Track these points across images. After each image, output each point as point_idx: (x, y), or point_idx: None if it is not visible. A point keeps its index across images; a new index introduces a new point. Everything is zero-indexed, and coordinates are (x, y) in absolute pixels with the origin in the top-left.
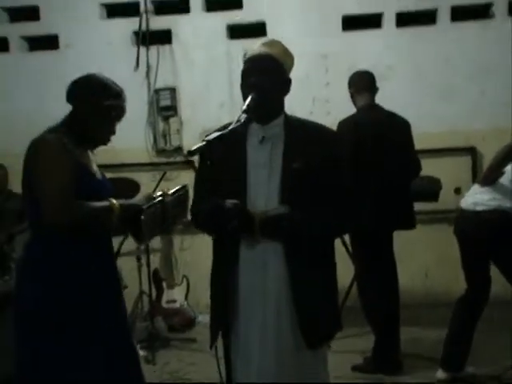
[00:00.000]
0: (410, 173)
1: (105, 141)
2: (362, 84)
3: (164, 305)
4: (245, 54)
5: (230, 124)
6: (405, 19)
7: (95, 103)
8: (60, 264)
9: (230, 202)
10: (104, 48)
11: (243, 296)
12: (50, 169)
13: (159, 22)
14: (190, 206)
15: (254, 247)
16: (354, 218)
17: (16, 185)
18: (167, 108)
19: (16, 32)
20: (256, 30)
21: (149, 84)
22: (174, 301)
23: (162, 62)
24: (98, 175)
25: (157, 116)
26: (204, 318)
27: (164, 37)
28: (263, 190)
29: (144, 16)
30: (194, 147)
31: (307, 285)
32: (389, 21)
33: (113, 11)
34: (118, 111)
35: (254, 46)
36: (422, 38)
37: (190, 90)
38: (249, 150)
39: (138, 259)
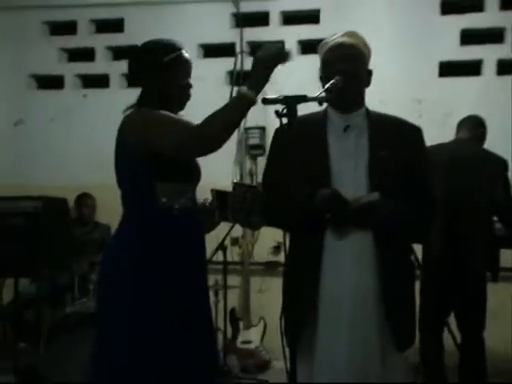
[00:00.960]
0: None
1: (182, 101)
2: (465, 124)
3: (239, 345)
4: (322, 45)
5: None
6: (506, 67)
7: (155, 64)
8: (154, 245)
9: (325, 190)
10: (197, 85)
11: (329, 292)
12: (156, 118)
13: None
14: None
15: (342, 239)
16: (430, 228)
17: (102, 215)
18: (256, 147)
19: (117, 70)
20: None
21: None
22: (250, 342)
23: None
24: None
25: (245, 154)
26: (279, 363)
27: None
28: (350, 179)
29: (239, 56)
30: (270, 96)
31: (398, 282)
32: (488, 68)
33: (209, 51)
34: (182, 63)
35: (334, 36)
36: None
37: None
38: (330, 138)
39: (216, 294)
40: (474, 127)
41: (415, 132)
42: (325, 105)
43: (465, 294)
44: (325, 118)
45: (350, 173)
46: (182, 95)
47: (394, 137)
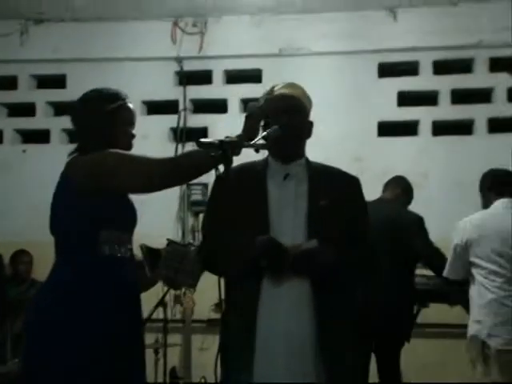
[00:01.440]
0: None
1: (124, 150)
2: (390, 185)
3: None
4: (264, 95)
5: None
6: (441, 128)
7: (99, 112)
8: (88, 289)
9: (263, 237)
10: (140, 142)
11: (263, 341)
12: (111, 154)
13: (197, 120)
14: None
15: (279, 286)
16: (369, 276)
17: (39, 273)
18: (198, 203)
19: (58, 126)
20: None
21: None
22: None
23: None
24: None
25: (187, 211)
26: None
27: (200, 134)
28: (288, 227)
29: (182, 114)
30: (205, 139)
31: (336, 330)
32: (425, 128)
33: (153, 108)
34: (126, 112)
35: (276, 87)
36: (459, 148)
37: None
38: (270, 185)
39: (156, 353)
40: (396, 187)
41: (353, 182)
42: (264, 153)
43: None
44: (265, 166)
45: (288, 221)
46: (124, 143)
47: (334, 186)
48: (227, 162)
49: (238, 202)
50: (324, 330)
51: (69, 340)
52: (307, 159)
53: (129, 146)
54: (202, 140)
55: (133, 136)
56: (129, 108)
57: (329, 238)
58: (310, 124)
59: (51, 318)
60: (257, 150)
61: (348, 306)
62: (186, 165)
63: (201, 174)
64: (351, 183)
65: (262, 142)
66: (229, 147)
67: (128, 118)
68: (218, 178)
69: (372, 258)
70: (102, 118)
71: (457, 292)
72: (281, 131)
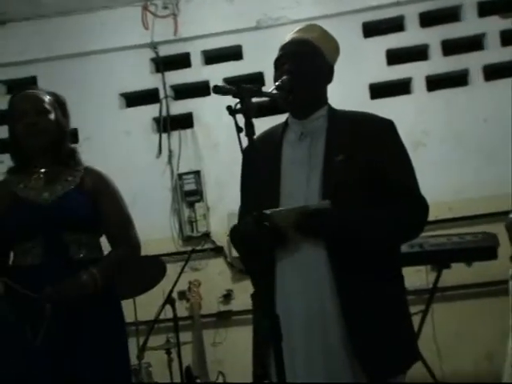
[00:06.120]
0: None
1: (31, 152)
2: None
3: None
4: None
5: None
6: (435, 83)
7: (11, 126)
8: None
9: (249, 217)
10: (123, 138)
11: (283, 318)
12: None
13: (180, 107)
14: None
15: (292, 255)
16: (421, 224)
17: None
18: (192, 193)
19: None
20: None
21: (172, 170)
22: None
23: (185, 147)
24: (43, 198)
25: (181, 202)
26: None
27: (185, 121)
28: (301, 191)
29: (164, 102)
30: (222, 85)
31: (362, 304)
32: (419, 86)
33: (132, 100)
34: (13, 110)
35: (292, 31)
36: (456, 100)
37: (215, 172)
38: (285, 147)
39: (168, 353)
40: None
41: (383, 126)
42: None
43: None
44: (285, 127)
45: (301, 184)
46: (26, 137)
47: (357, 136)
48: (247, 114)
49: (256, 170)
50: (348, 308)
51: None
52: (330, 108)
53: (27, 136)
54: (219, 85)
55: (31, 125)
56: (18, 98)
57: (348, 200)
58: (328, 68)
59: None
60: (274, 101)
61: (382, 277)
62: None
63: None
64: (380, 128)
65: (275, 92)
66: (247, 94)
67: (17, 109)
68: (239, 131)
69: (419, 213)
70: (8, 121)
71: None
72: (292, 79)
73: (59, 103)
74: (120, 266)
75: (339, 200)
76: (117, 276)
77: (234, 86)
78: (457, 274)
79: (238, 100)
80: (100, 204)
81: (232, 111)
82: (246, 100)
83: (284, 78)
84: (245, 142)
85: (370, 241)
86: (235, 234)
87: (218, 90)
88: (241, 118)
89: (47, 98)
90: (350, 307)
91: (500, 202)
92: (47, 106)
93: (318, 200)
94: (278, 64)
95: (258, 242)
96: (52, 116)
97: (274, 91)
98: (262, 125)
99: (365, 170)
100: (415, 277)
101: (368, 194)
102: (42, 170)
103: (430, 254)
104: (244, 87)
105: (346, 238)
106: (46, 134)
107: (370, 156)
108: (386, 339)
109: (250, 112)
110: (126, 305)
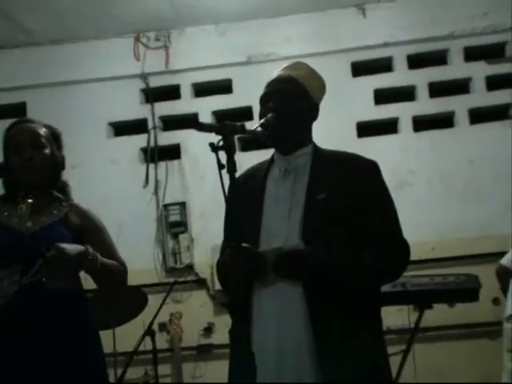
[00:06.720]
0: None
1: (25, 178)
2: None
3: None
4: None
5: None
6: (421, 123)
7: (6, 158)
8: None
9: (232, 247)
10: (111, 167)
11: (257, 351)
12: None
13: (168, 138)
14: None
15: (267, 293)
16: (399, 269)
17: None
18: (177, 224)
19: None
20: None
21: (157, 200)
22: None
23: (171, 178)
24: (26, 227)
25: (166, 233)
26: None
27: (173, 152)
28: (282, 229)
29: (152, 132)
30: (205, 122)
31: (336, 342)
32: (406, 126)
33: (120, 130)
34: (7, 143)
35: (279, 68)
36: (442, 141)
37: (200, 204)
38: (269, 183)
39: None
40: None
41: (366, 167)
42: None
43: None
44: (270, 163)
45: (283, 221)
46: (21, 173)
47: (340, 176)
48: (229, 151)
49: (239, 206)
50: (322, 350)
51: None
52: (315, 146)
53: (22, 171)
54: (202, 122)
55: (27, 160)
56: (14, 130)
57: (330, 238)
58: (312, 107)
59: None
60: (256, 139)
61: (359, 317)
62: None
63: None
64: (363, 169)
65: (260, 129)
66: (230, 131)
67: (13, 142)
68: (221, 167)
69: (399, 258)
70: (3, 152)
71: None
72: (276, 117)
73: (54, 136)
74: (115, 270)
75: (319, 238)
76: (108, 279)
77: (218, 122)
78: (439, 314)
79: (220, 137)
80: (86, 240)
81: (214, 148)
82: (228, 137)
83: (269, 116)
84: (227, 178)
85: (346, 281)
86: (219, 266)
87: (201, 127)
88: (223, 155)
89: (43, 132)
90: (324, 344)
91: (483, 243)
92: (43, 141)
93: (298, 237)
94: (263, 101)
95: (237, 264)
96: (47, 151)
97: (259, 128)
98: (249, 159)
99: (346, 209)
100: (397, 316)
101: (348, 233)
102: (29, 201)
103: (412, 294)
104: (227, 124)
105: (320, 278)
106: (41, 170)
107: (352, 196)
108: (360, 379)
109: (233, 149)
110: (105, 335)
